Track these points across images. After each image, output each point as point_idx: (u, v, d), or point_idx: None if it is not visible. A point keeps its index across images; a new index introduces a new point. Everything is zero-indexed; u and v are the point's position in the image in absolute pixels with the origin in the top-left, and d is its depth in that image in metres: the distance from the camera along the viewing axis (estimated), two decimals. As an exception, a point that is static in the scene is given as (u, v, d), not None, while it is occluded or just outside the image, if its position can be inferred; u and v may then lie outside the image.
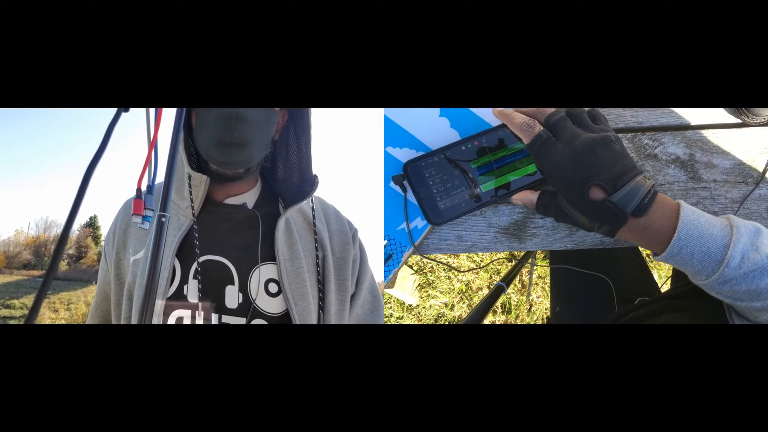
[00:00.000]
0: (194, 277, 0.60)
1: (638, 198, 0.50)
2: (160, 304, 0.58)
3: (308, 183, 0.69)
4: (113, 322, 0.66)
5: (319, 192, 0.70)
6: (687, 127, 0.70)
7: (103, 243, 0.72)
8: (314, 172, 0.70)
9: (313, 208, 0.70)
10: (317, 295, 0.65)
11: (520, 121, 0.55)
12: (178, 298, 0.60)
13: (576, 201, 0.52)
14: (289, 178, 0.72)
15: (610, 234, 0.53)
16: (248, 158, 0.63)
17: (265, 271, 0.63)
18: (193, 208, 0.63)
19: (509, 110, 0.57)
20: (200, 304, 0.60)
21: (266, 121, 0.63)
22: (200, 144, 0.63)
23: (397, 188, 0.67)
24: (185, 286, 0.60)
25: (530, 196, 0.61)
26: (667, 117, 0.70)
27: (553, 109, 0.55)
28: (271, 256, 0.64)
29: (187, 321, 0.59)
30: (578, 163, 0.51)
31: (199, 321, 0.59)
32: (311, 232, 0.69)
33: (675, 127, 0.70)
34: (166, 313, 0.59)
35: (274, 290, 0.63)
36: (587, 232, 0.57)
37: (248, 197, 0.69)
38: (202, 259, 0.61)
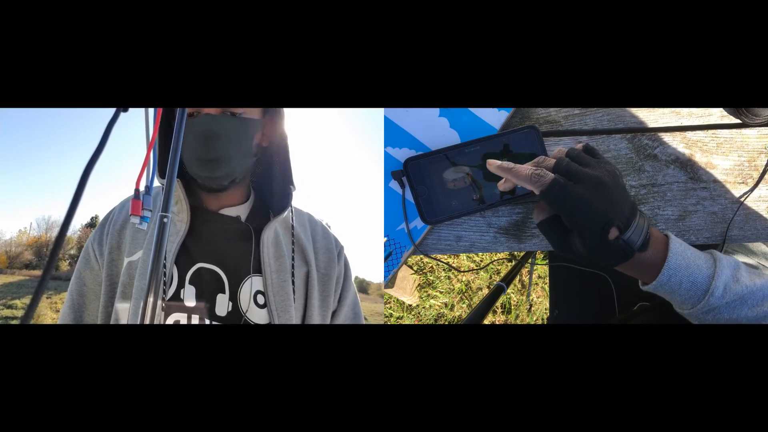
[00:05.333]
0: (190, 283, 0.62)
1: (643, 235, 0.53)
2: (159, 306, 0.60)
3: (286, 194, 0.71)
4: (99, 322, 0.66)
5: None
6: (687, 127, 0.69)
7: (90, 243, 0.68)
8: (297, 181, 0.71)
9: (292, 218, 0.71)
10: (301, 308, 0.67)
11: (527, 173, 0.53)
12: (176, 301, 0.62)
13: (593, 240, 0.52)
14: (274, 187, 0.73)
15: (608, 267, 0.54)
16: (229, 171, 0.65)
17: (255, 283, 0.65)
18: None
19: (508, 164, 0.55)
20: (196, 307, 0.62)
21: (243, 133, 0.64)
22: (185, 162, 0.65)
23: (396, 185, 0.67)
24: (182, 290, 0.62)
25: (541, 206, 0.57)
26: (667, 117, 0.69)
27: (553, 160, 0.54)
28: (260, 268, 0.65)
29: (184, 324, 0.61)
30: (598, 205, 0.51)
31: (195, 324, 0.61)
32: (298, 245, 0.71)
33: (675, 127, 0.70)
34: (166, 315, 0.61)
35: (261, 301, 0.65)
36: (584, 265, 0.56)
37: (242, 210, 0.70)
38: (197, 266, 0.63)
